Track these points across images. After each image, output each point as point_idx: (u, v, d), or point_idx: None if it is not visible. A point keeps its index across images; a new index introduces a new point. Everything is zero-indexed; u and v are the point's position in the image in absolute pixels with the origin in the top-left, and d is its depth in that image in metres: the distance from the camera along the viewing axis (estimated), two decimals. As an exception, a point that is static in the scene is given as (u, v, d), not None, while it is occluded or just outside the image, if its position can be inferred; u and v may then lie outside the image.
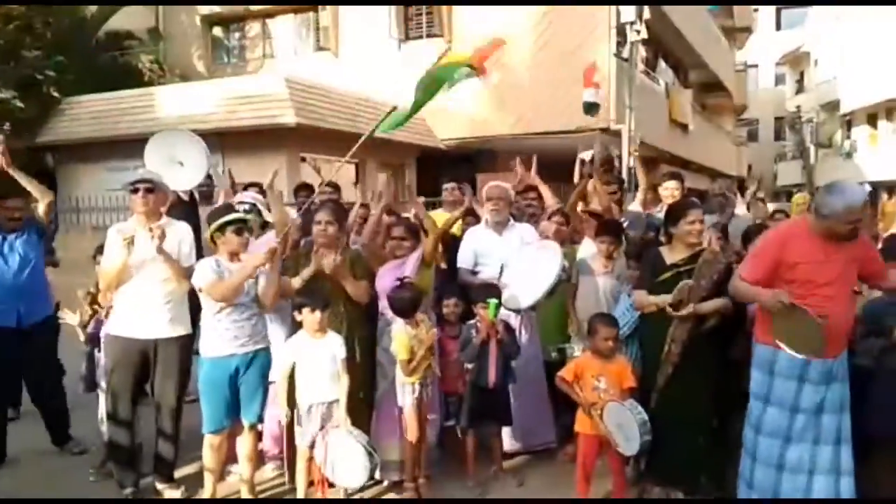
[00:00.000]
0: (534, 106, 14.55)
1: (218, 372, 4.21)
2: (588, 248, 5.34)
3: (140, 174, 4.46)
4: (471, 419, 4.67)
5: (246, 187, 6.40)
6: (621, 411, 4.01)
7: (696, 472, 4.05)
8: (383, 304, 4.70)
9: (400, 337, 4.39)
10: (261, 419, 4.42)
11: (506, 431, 5.05)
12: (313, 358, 4.23)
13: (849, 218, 3.51)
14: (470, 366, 4.61)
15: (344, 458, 4.10)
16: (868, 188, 5.66)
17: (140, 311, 4.37)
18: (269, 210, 5.14)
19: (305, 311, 4.22)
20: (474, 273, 5.25)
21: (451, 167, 14.95)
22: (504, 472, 4.85)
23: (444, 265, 5.42)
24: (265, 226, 5.07)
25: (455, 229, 5.82)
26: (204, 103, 12.52)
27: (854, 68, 29.36)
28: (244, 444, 4.37)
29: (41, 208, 5.20)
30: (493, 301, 4.50)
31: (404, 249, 4.84)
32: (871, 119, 30.64)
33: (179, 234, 4.47)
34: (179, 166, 5.26)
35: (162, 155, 5.23)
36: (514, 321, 5.01)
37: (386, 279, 4.66)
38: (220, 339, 4.20)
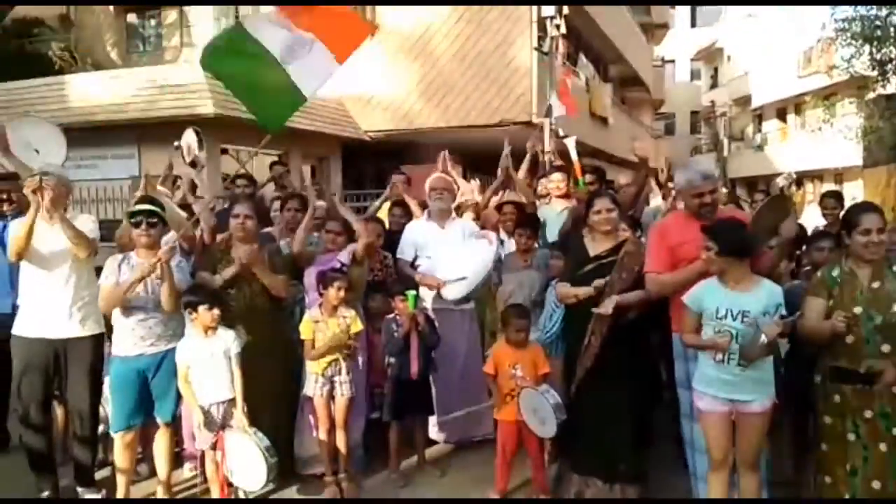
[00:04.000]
0: (458, 99, 14.60)
1: (126, 370, 4.11)
2: (507, 245, 5.41)
3: (38, 167, 4.30)
4: (394, 412, 4.70)
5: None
6: (534, 396, 4.10)
7: (615, 461, 4.13)
8: (311, 299, 4.67)
9: (305, 318, 4.44)
10: (174, 418, 4.32)
11: (434, 422, 5.11)
12: (207, 357, 4.10)
13: (690, 192, 3.88)
14: (392, 360, 4.64)
15: (241, 460, 4.00)
16: (793, 176, 5.87)
17: (48, 310, 4.22)
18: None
19: (201, 309, 4.08)
20: (414, 266, 5.27)
21: (376, 159, 14.90)
22: (428, 463, 4.90)
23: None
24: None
25: (383, 217, 5.84)
26: (118, 93, 12.08)
27: (764, 65, 30.59)
28: (160, 443, 4.28)
29: None
30: (412, 293, 4.54)
31: (337, 244, 4.84)
32: (781, 113, 31.99)
33: (83, 227, 4.30)
34: (35, 154, 5.07)
35: (18, 143, 5.04)
36: (457, 314, 5.08)
37: (315, 274, 4.63)
38: (129, 338, 4.12)
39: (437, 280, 4.99)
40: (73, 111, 11.94)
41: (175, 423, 4.44)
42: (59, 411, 4.78)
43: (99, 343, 4.37)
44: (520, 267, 5.10)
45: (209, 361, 4.10)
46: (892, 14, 12.10)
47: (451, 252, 5.07)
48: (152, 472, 4.46)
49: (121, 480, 4.23)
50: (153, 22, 18.25)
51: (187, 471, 4.82)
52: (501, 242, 5.44)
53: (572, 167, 6.50)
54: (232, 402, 4.15)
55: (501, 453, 4.38)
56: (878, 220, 3.52)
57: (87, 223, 4.35)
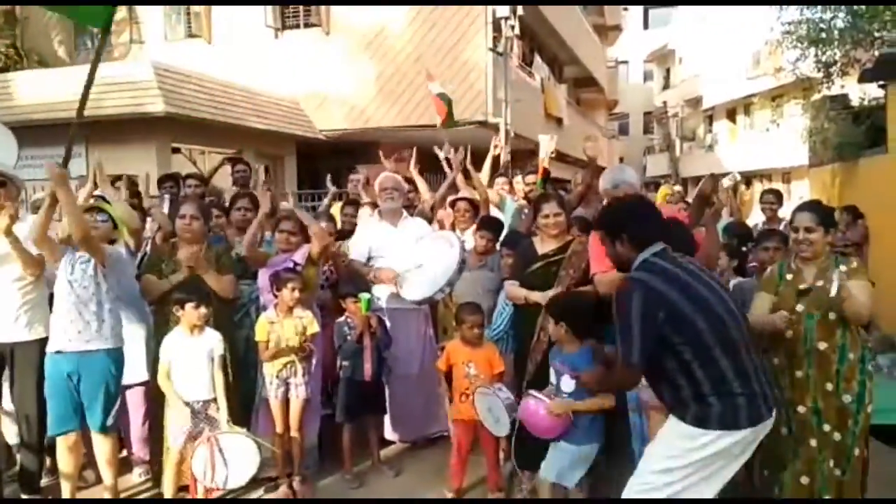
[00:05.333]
0: (414, 98, 14.58)
1: (54, 370, 4.01)
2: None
3: None
4: (347, 413, 4.67)
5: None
6: (488, 395, 4.10)
7: None
8: (265, 300, 4.62)
9: (261, 319, 4.41)
10: (107, 426, 4.15)
11: (389, 421, 5.09)
12: (190, 355, 4.10)
13: (607, 196, 4.10)
14: (346, 363, 4.61)
15: (236, 458, 3.97)
16: (738, 176, 6.03)
17: None
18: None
19: (189, 306, 4.08)
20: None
21: (332, 159, 14.78)
22: (382, 462, 4.88)
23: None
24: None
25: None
26: (65, 90, 11.77)
27: (715, 66, 31.19)
28: (99, 450, 4.16)
29: None
30: (365, 296, 4.51)
31: (291, 245, 4.78)
32: (730, 114, 32.65)
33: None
34: None
35: None
36: (412, 314, 5.10)
37: (268, 274, 4.58)
38: (55, 330, 4.02)
39: (393, 272, 4.96)
40: (18, 109, 11.63)
41: (118, 428, 4.34)
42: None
43: (45, 347, 4.25)
44: (474, 266, 5.11)
45: (191, 360, 4.09)
46: (836, 17, 12.42)
47: (414, 253, 5.03)
48: (99, 479, 4.36)
49: (65, 486, 4.12)
50: (102, 18, 17.82)
51: (136, 476, 4.72)
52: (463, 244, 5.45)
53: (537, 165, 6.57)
54: (207, 403, 4.12)
55: (457, 452, 4.38)
56: (808, 219, 3.60)
57: None
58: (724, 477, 2.85)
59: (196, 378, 4.11)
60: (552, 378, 3.77)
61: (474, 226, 5.43)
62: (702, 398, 2.76)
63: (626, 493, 2.96)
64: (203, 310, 4.10)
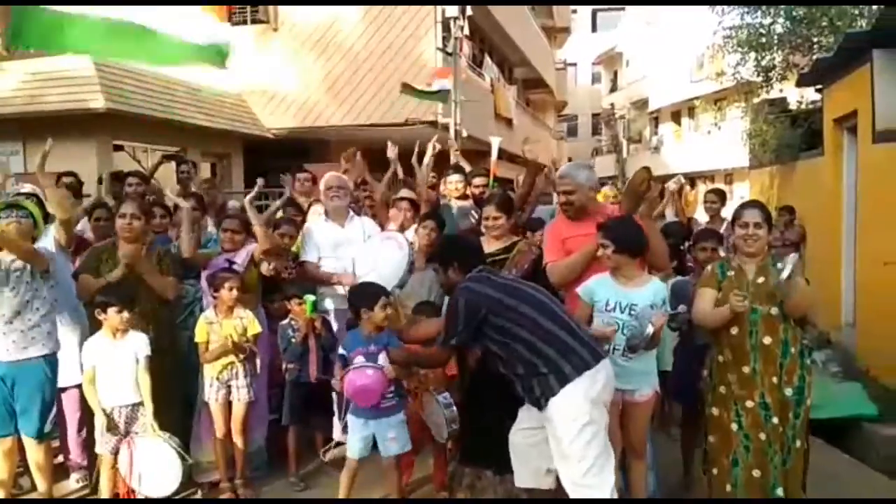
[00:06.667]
0: (364, 97, 14.50)
1: None
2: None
3: None
4: (293, 416, 4.62)
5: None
6: (432, 403, 4.09)
7: (504, 453, 4.17)
8: (208, 301, 4.53)
9: (200, 320, 4.34)
10: (42, 433, 4.05)
11: (337, 423, 5.04)
12: (114, 359, 3.98)
13: (556, 185, 4.36)
14: (291, 365, 4.55)
15: (154, 464, 3.90)
16: (682, 179, 6.12)
17: None
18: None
19: (111, 311, 3.95)
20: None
21: (280, 157, 14.61)
22: (329, 464, 4.83)
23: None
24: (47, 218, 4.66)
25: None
26: (2, 85, 11.40)
27: (661, 70, 31.79)
28: (32, 457, 4.04)
29: None
30: (310, 298, 4.47)
31: (235, 244, 4.71)
32: (675, 117, 33.34)
33: None
34: None
35: None
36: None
37: (206, 275, 4.50)
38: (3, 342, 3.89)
39: (352, 278, 4.93)
40: (-50, 104, 11.20)
41: (53, 433, 4.23)
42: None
43: None
44: (421, 266, 5.09)
45: (116, 364, 3.97)
46: (776, 23, 12.77)
47: (364, 254, 5.01)
48: (34, 485, 4.22)
49: (-1, 493, 3.99)
50: (40, 11, 17.30)
51: (74, 482, 4.60)
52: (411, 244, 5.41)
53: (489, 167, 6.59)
54: (136, 406, 4.01)
55: (403, 449, 4.36)
56: (756, 215, 3.72)
57: None
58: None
59: (122, 382, 3.99)
60: (359, 360, 3.94)
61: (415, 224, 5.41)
62: (555, 366, 3.25)
63: (566, 476, 3.30)
64: (126, 314, 3.96)
